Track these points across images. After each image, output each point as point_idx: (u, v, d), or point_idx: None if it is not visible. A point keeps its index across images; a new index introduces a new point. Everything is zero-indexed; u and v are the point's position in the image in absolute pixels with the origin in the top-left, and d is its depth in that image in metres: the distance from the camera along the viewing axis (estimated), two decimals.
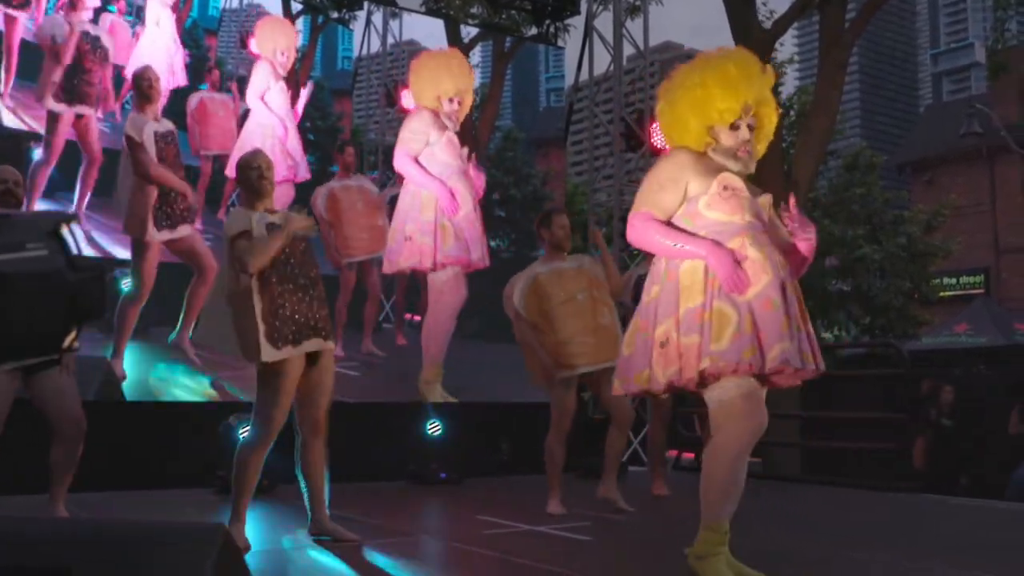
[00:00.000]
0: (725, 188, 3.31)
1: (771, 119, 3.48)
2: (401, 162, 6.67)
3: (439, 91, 6.79)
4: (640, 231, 3.38)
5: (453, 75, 6.86)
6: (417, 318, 8.09)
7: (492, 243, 9.59)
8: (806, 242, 3.42)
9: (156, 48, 7.30)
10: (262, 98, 7.51)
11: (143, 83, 6.37)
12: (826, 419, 9.91)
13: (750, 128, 3.41)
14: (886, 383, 8.43)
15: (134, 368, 6.63)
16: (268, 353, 4.05)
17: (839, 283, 19.08)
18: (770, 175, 10.07)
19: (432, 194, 6.65)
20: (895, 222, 19.09)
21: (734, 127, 3.39)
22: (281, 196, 7.41)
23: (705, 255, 3.24)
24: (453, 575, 4.14)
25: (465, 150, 6.90)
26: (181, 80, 7.56)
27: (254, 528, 4.43)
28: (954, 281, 22.52)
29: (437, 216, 6.62)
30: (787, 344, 3.16)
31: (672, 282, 3.31)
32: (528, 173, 9.92)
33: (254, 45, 7.65)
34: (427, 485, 6.77)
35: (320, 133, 8.88)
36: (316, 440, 4.29)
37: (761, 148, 3.51)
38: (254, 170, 4.25)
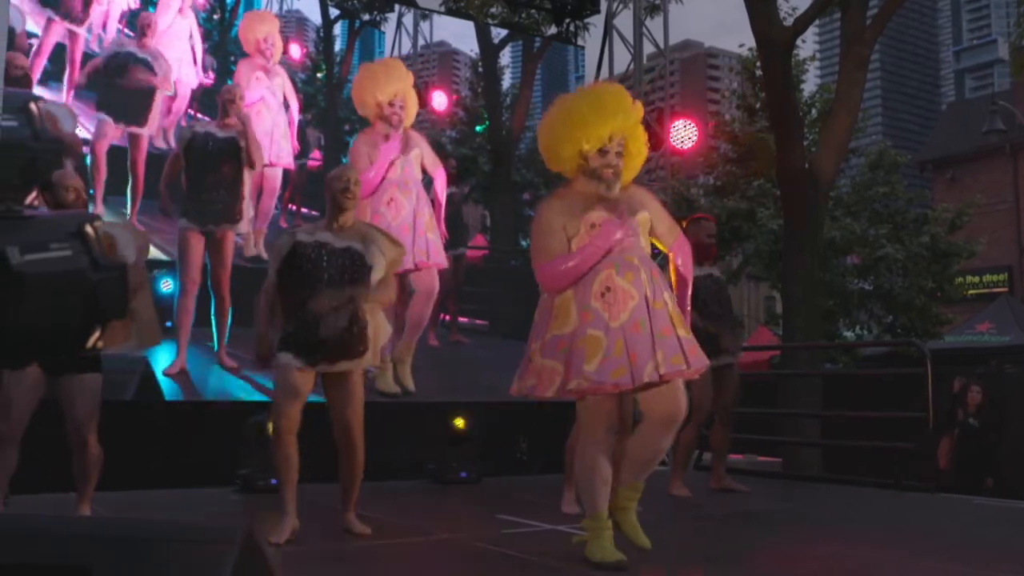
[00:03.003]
0: (592, 226, 3.68)
1: (638, 147, 3.84)
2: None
3: (378, 97, 6.93)
4: (548, 276, 3.70)
5: (389, 79, 7.03)
6: (446, 317, 8.19)
7: (523, 242, 9.60)
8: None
9: (167, 50, 7.37)
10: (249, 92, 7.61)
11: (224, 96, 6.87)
12: (847, 418, 9.85)
13: (619, 154, 3.76)
14: (908, 382, 8.37)
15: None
16: (284, 358, 4.22)
17: (860, 282, 18.94)
18: (792, 173, 10.04)
19: (367, 203, 6.78)
20: (918, 221, 18.92)
21: (602, 152, 3.74)
22: (271, 179, 7.49)
23: (600, 245, 3.62)
24: (472, 574, 4.14)
25: (415, 156, 7.00)
26: (193, 83, 7.62)
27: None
28: (977, 279, 22.30)
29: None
30: (652, 363, 3.52)
31: (547, 309, 3.72)
32: (558, 173, 9.87)
33: (241, 41, 7.72)
34: (447, 484, 6.79)
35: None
36: (344, 446, 4.42)
37: (628, 174, 3.86)
38: (341, 182, 4.36)
